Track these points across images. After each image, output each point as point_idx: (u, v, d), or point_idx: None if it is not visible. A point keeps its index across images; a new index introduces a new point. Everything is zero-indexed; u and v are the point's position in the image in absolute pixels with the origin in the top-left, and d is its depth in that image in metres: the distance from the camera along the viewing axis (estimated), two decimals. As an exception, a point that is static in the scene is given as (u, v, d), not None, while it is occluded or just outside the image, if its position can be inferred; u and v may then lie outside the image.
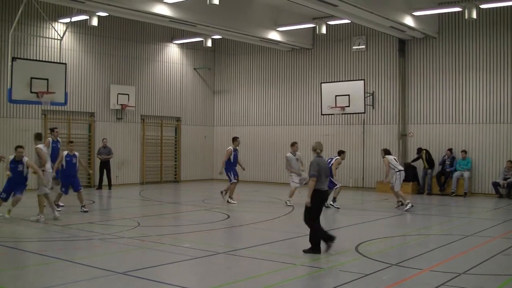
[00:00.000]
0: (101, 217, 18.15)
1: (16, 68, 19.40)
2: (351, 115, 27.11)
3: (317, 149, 12.45)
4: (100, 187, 25.99)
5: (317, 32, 26.29)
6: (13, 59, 19.53)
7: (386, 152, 20.45)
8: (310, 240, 11.91)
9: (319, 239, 11.90)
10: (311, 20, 26.65)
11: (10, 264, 11.02)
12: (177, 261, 11.24)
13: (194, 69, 32.49)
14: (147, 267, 10.53)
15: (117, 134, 28.11)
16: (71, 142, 18.58)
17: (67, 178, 18.11)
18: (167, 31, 30.21)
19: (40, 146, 17.86)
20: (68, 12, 24.40)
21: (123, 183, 28.28)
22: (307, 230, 14.67)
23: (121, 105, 28.06)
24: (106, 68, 28.18)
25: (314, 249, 11.81)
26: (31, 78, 19.63)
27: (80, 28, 26.73)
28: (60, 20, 25.84)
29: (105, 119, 28.00)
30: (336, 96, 26.04)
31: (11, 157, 16.49)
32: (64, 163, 18.02)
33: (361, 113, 26.26)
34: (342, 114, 26.53)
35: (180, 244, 12.64)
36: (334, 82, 27.48)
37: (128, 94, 28.39)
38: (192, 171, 32.12)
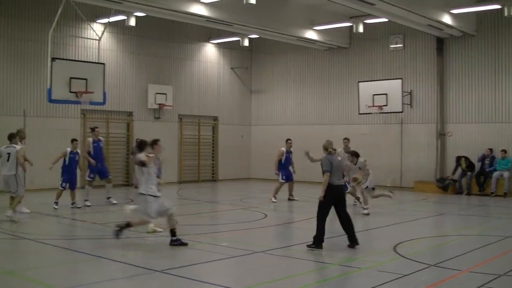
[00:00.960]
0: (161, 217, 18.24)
1: (56, 69, 19.59)
2: (389, 114, 26.88)
3: (329, 147, 12.75)
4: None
5: (354, 31, 26.18)
6: (53, 59, 19.72)
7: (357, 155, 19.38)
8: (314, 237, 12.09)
9: (320, 235, 12.05)
10: (348, 19, 26.48)
11: (50, 261, 11.15)
12: (215, 260, 11.27)
13: (231, 68, 32.55)
14: (185, 265, 10.58)
15: (155, 133, 28.06)
16: (75, 140, 19.09)
17: (68, 174, 18.72)
18: (204, 30, 30.29)
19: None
20: (106, 13, 24.61)
21: (161, 181, 28.38)
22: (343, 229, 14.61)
23: (159, 104, 28.23)
24: (143, 67, 28.38)
25: (315, 245, 12.00)
26: (70, 78, 19.81)
27: (118, 28, 26.95)
28: (98, 21, 26.10)
29: (143, 119, 28.19)
30: (373, 95, 25.87)
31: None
32: (67, 160, 18.67)
33: (399, 112, 26.04)
34: (379, 113, 26.34)
35: (217, 243, 12.67)
36: (372, 81, 27.27)
37: (165, 94, 28.54)
38: (229, 170, 32.16)
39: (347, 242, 12.21)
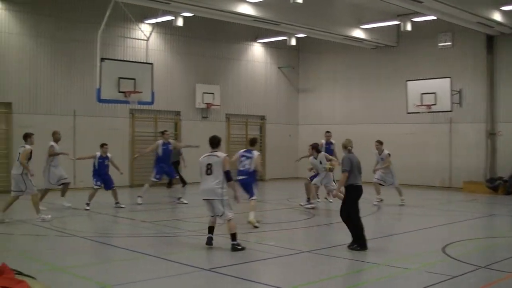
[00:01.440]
0: (187, 214, 18.38)
1: (104, 69, 19.83)
2: (437, 113, 26.55)
3: (348, 146, 12.59)
4: (184, 183, 25.83)
5: (402, 29, 25.96)
6: (102, 59, 19.97)
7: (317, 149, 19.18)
8: (353, 237, 12.04)
9: (362, 234, 11.95)
10: (395, 17, 26.25)
11: (99, 258, 11.31)
12: (262, 259, 11.29)
13: (278, 67, 32.57)
14: (232, 264, 10.61)
15: (203, 132, 28.30)
16: (105, 145, 19.20)
17: (99, 177, 18.87)
18: (251, 30, 30.36)
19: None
20: (154, 13, 24.83)
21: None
22: (393, 230, 14.54)
23: (206, 104, 28.41)
24: (191, 67, 28.58)
25: (361, 245, 11.86)
26: (119, 78, 20.02)
27: (166, 28, 27.19)
28: (146, 21, 26.39)
29: (190, 118, 28.40)
30: (421, 94, 25.59)
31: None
32: (96, 164, 18.87)
33: (448, 111, 25.71)
34: (428, 112, 26.04)
35: (264, 242, 12.68)
36: (420, 80, 26.95)
37: (213, 93, 28.70)
38: (277, 169, 32.17)
39: (394, 243, 12.09)
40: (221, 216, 11.87)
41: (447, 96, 25.07)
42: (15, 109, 23.09)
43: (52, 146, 18.56)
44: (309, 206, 18.95)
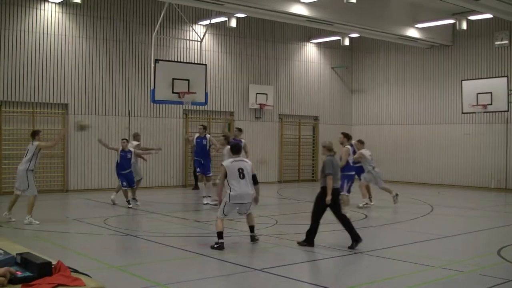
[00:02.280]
0: (239, 215, 18.44)
1: (159, 70, 20.02)
2: (493, 113, 26.13)
3: (333, 148, 12.69)
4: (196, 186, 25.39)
5: (457, 28, 25.61)
6: (156, 61, 20.16)
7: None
8: (307, 233, 12.39)
9: (314, 233, 12.33)
10: (450, 16, 25.85)
11: (152, 257, 11.42)
12: (314, 259, 11.28)
13: (332, 68, 32.44)
14: (284, 264, 10.63)
15: (256, 133, 28.50)
16: (124, 139, 19.64)
17: (122, 173, 19.00)
18: (304, 30, 30.33)
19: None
20: (208, 15, 25.02)
21: (261, 181, 28.61)
22: (447, 232, 14.37)
23: (260, 104, 28.47)
24: (244, 68, 28.68)
25: (308, 241, 12.26)
26: (173, 79, 20.17)
27: (219, 29, 27.35)
28: (200, 23, 26.57)
29: (244, 118, 28.49)
30: (477, 93, 25.19)
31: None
32: (118, 159, 19.14)
33: (504, 111, 25.26)
34: (483, 112, 25.63)
35: (317, 243, 12.66)
36: (476, 79, 26.53)
37: (266, 94, 28.75)
38: (329, 170, 31.99)
39: (448, 245, 11.94)
40: (244, 213, 12.65)
41: (504, 95, 24.62)
42: (71, 110, 23.49)
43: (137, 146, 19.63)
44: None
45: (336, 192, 12.40)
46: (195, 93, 20.63)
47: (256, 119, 28.97)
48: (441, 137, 28.57)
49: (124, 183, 18.86)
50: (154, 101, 20.41)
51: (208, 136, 20.21)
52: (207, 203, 19.24)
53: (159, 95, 19.95)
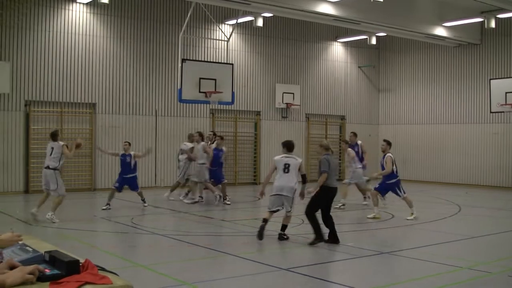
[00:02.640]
0: (266, 214, 18.44)
1: (186, 69, 20.07)
2: (523, 112, 25.89)
3: (330, 147, 13.02)
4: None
5: (486, 27, 25.36)
6: (183, 60, 20.22)
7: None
8: (315, 232, 12.35)
9: (319, 228, 12.33)
10: (479, 14, 25.58)
11: (179, 256, 11.47)
12: (340, 259, 11.26)
13: (359, 67, 32.33)
14: (311, 264, 10.62)
15: (282, 132, 28.48)
16: (126, 142, 19.13)
17: (121, 176, 18.61)
18: (331, 29, 30.26)
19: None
20: (234, 14, 25.06)
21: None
22: (475, 232, 14.26)
23: (286, 103, 28.45)
24: (271, 67, 28.68)
25: (319, 238, 12.24)
26: (200, 78, 20.21)
27: (246, 29, 27.37)
28: (226, 22, 26.62)
29: (270, 118, 28.50)
30: (506, 93, 24.94)
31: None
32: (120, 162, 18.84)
33: (534, 110, 25.02)
34: (513, 111, 25.41)
35: (343, 243, 12.63)
36: (505, 78, 26.26)
37: (293, 93, 28.72)
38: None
39: (476, 246, 11.83)
40: (287, 210, 12.89)
41: (533, 95, 24.38)
42: (98, 110, 23.67)
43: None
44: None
45: (332, 192, 12.51)
46: (221, 92, 20.66)
47: (282, 119, 28.96)
48: (469, 136, 28.34)
49: (117, 184, 18.46)
50: (181, 100, 20.48)
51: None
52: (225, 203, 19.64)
53: (186, 94, 20.01)
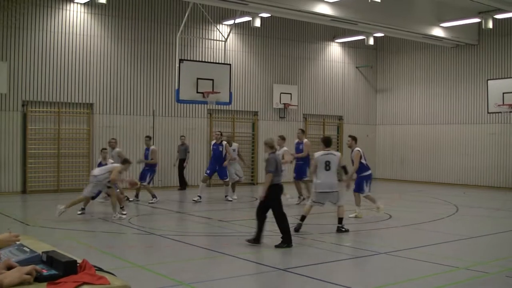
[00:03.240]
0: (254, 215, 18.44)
1: (183, 69, 20.05)
2: (520, 113, 25.90)
3: (274, 145, 12.98)
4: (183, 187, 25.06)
5: (483, 27, 25.39)
6: (180, 60, 20.21)
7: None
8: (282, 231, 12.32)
9: (261, 232, 12.30)
10: (476, 15, 25.59)
11: (176, 256, 11.47)
12: (338, 259, 11.26)
13: (356, 67, 32.34)
14: (308, 264, 10.62)
15: (280, 132, 28.41)
16: (104, 149, 19.50)
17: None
18: (329, 30, 30.27)
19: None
20: (232, 15, 25.05)
21: (286, 181, 28.58)
22: (472, 232, 14.26)
23: (284, 104, 28.46)
24: (269, 67, 28.68)
25: (287, 241, 12.18)
26: (197, 78, 20.19)
27: (244, 29, 27.37)
28: (224, 22, 26.62)
29: (268, 118, 28.51)
30: (503, 93, 24.96)
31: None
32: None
33: (531, 111, 25.04)
34: (509, 112, 25.38)
35: (341, 243, 12.63)
36: (502, 78, 26.27)
37: (290, 93, 28.72)
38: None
39: (473, 246, 11.84)
40: (335, 203, 14.04)
41: (531, 95, 24.39)
42: (96, 110, 23.65)
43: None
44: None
45: (278, 189, 12.45)
46: (219, 92, 20.65)
47: (280, 119, 28.96)
48: (466, 137, 28.36)
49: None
50: (178, 100, 20.47)
51: (224, 143, 20.61)
52: (230, 200, 20.45)
53: (184, 94, 20.00)
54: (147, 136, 21.03)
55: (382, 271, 10.36)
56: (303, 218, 13.91)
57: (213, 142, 20.89)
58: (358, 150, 16.83)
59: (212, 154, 20.81)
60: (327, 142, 14.27)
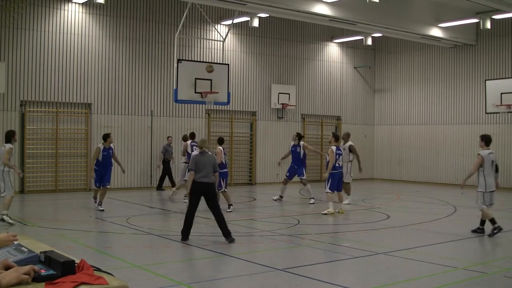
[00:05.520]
0: (261, 214, 18.46)
1: (181, 70, 20.02)
2: (518, 113, 25.91)
3: (203, 145, 13.17)
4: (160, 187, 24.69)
5: (481, 27, 25.40)
6: (179, 60, 20.18)
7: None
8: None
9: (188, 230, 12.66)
10: (474, 15, 25.60)
11: (175, 257, 11.46)
12: (336, 260, 11.25)
13: (354, 67, 32.35)
14: (306, 264, 10.62)
15: (278, 132, 28.52)
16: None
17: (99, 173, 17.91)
18: (327, 30, 30.29)
19: None
20: (230, 15, 25.06)
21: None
22: (470, 232, 14.26)
23: (282, 104, 28.46)
24: (267, 68, 28.68)
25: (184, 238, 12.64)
26: (196, 78, 20.16)
27: (242, 29, 27.38)
28: (222, 23, 26.63)
29: (266, 118, 28.50)
30: (501, 93, 24.97)
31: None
32: (100, 157, 17.84)
33: (529, 111, 25.05)
34: (508, 112, 25.40)
35: (339, 243, 12.63)
36: (500, 79, 26.29)
37: (288, 94, 28.73)
38: (352, 170, 31.92)
39: (471, 246, 11.85)
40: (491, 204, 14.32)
41: (529, 95, 24.40)
42: (94, 110, 23.65)
43: None
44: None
45: (200, 186, 12.58)
46: (217, 92, 20.63)
47: (278, 119, 28.96)
48: (464, 137, 28.37)
49: (97, 184, 17.96)
50: (176, 100, 20.45)
51: (302, 143, 20.90)
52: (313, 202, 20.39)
53: (182, 94, 19.98)
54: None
55: (380, 271, 10.36)
56: (492, 221, 13.96)
57: (291, 143, 21.19)
58: (331, 148, 17.90)
59: (292, 155, 21.03)
60: (488, 141, 14.53)
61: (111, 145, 18.01)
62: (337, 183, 18.04)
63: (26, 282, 3.08)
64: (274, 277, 9.71)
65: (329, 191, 17.71)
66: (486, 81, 26.01)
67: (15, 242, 3.70)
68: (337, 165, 17.88)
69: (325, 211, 17.38)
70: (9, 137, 15.21)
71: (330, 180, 17.77)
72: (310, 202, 19.99)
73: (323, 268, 10.56)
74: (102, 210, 17.32)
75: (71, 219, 15.67)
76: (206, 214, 17.30)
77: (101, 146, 17.85)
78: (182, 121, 25.59)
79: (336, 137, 18.39)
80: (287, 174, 21.01)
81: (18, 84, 22.07)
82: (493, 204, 14.17)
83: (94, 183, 18.46)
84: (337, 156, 17.90)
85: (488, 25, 25.03)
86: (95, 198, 18.23)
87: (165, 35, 25.19)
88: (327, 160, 17.86)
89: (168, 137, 24.51)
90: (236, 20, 24.85)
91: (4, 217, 14.71)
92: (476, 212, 19.15)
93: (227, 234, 12.45)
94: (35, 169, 22.49)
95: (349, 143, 20.59)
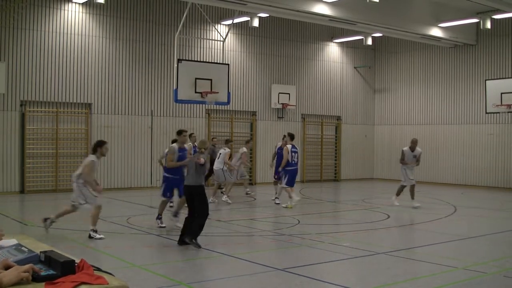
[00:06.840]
0: (261, 214, 18.47)
1: (182, 70, 20.01)
2: (518, 113, 25.91)
3: (201, 147, 12.94)
4: None
5: (481, 27, 25.39)
6: (179, 60, 20.17)
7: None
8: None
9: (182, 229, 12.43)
10: (474, 15, 25.59)
11: (175, 256, 11.46)
12: (336, 259, 11.25)
13: (355, 67, 32.34)
14: (306, 264, 10.61)
15: (278, 132, 28.49)
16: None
17: None
18: (327, 30, 30.29)
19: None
20: (230, 15, 25.06)
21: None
22: (470, 232, 14.27)
23: (282, 104, 28.46)
24: (267, 67, 28.68)
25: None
26: (196, 78, 20.15)
27: (242, 29, 27.38)
28: (222, 22, 26.63)
29: (266, 118, 28.50)
30: (501, 93, 24.96)
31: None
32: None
33: (529, 111, 25.04)
34: (508, 112, 25.39)
35: (339, 243, 12.63)
36: (500, 79, 26.27)
37: (288, 93, 28.73)
38: (352, 170, 32.01)
39: (471, 246, 11.84)
40: None
41: (529, 95, 24.39)
42: (94, 110, 23.64)
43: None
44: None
45: (188, 190, 12.43)
46: (217, 92, 20.62)
47: (278, 119, 28.96)
48: (464, 137, 28.37)
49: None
50: (177, 100, 20.44)
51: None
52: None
53: (182, 94, 19.97)
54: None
55: (380, 271, 10.35)
56: None
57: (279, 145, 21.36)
58: (287, 147, 19.23)
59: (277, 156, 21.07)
60: None
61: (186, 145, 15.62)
62: (292, 179, 19.23)
63: (27, 280, 3.08)
64: (274, 277, 9.71)
65: (285, 186, 19.05)
66: (486, 81, 26.00)
67: (15, 242, 3.70)
68: (292, 162, 19.15)
69: (285, 204, 18.82)
70: (95, 147, 13.50)
71: (286, 176, 19.05)
72: (276, 201, 20.00)
73: (323, 268, 10.56)
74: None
75: (71, 219, 15.64)
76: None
77: (175, 146, 14.89)
78: (182, 121, 25.57)
79: (292, 136, 19.70)
80: (275, 176, 21.04)
81: (18, 84, 22.08)
82: None
83: (164, 194, 15.20)
84: (292, 154, 19.16)
85: (488, 25, 25.02)
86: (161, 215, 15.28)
87: (165, 35, 25.20)
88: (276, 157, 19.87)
89: (212, 138, 24.43)
90: (236, 20, 24.85)
91: (91, 232, 13.06)
92: (476, 212, 19.17)
93: (190, 234, 12.07)
94: (35, 169, 22.49)
95: (420, 149, 21.07)
